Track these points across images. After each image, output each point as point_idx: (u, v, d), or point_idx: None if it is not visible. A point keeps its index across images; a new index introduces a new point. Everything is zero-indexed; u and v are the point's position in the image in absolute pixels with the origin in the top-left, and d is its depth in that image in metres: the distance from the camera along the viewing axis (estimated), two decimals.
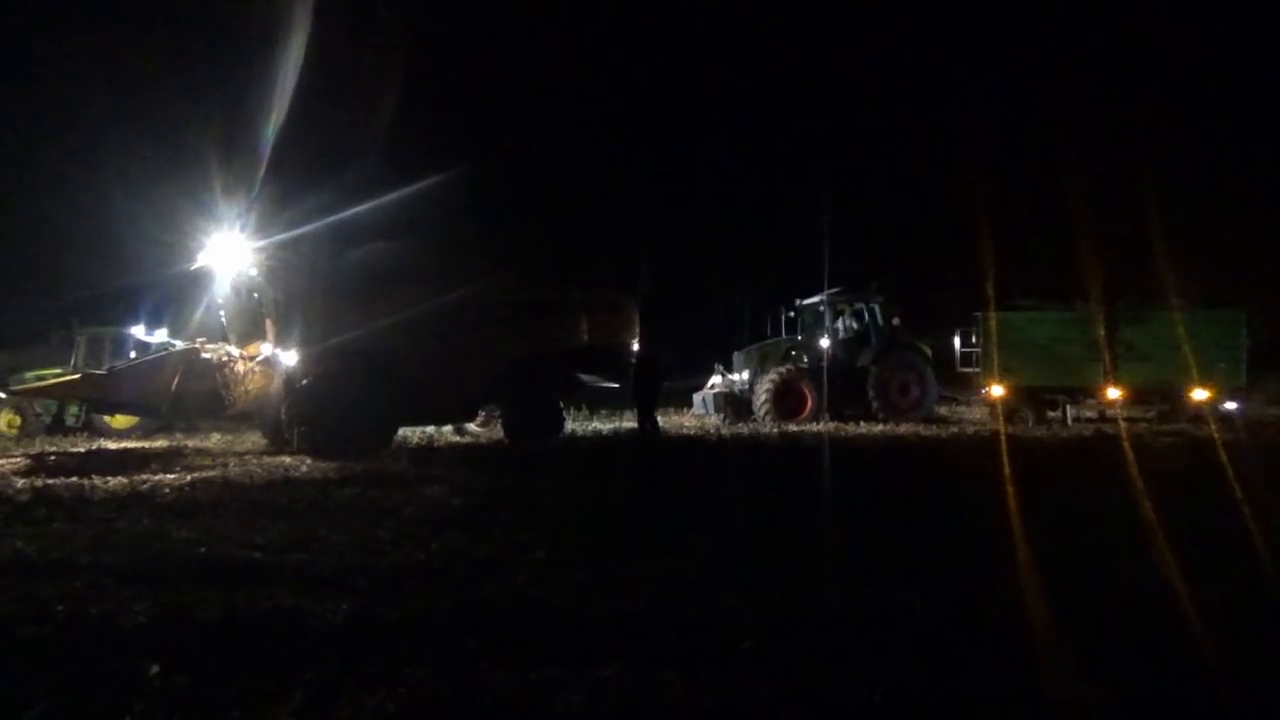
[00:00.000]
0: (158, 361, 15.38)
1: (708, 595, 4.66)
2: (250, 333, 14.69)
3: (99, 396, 16.00)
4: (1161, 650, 3.77)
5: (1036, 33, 47.27)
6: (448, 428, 17.14)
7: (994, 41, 46.70)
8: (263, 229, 13.69)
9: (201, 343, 14.90)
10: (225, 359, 14.53)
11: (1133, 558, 5.44)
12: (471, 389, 14.72)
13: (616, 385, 16.78)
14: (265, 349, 14.30)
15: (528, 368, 14.78)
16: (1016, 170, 36.22)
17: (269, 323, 14.05)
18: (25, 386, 17.66)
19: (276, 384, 13.98)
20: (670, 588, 4.81)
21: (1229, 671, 3.51)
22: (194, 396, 14.87)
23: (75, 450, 14.73)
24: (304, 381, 13.45)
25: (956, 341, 19.70)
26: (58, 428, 19.19)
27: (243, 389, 14.49)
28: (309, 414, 13.20)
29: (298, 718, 3.10)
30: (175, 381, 14.46)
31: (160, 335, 18.60)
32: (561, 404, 16.30)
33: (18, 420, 19.25)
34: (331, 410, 13.06)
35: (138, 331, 19.47)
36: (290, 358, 13.65)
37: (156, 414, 16.90)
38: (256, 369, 14.42)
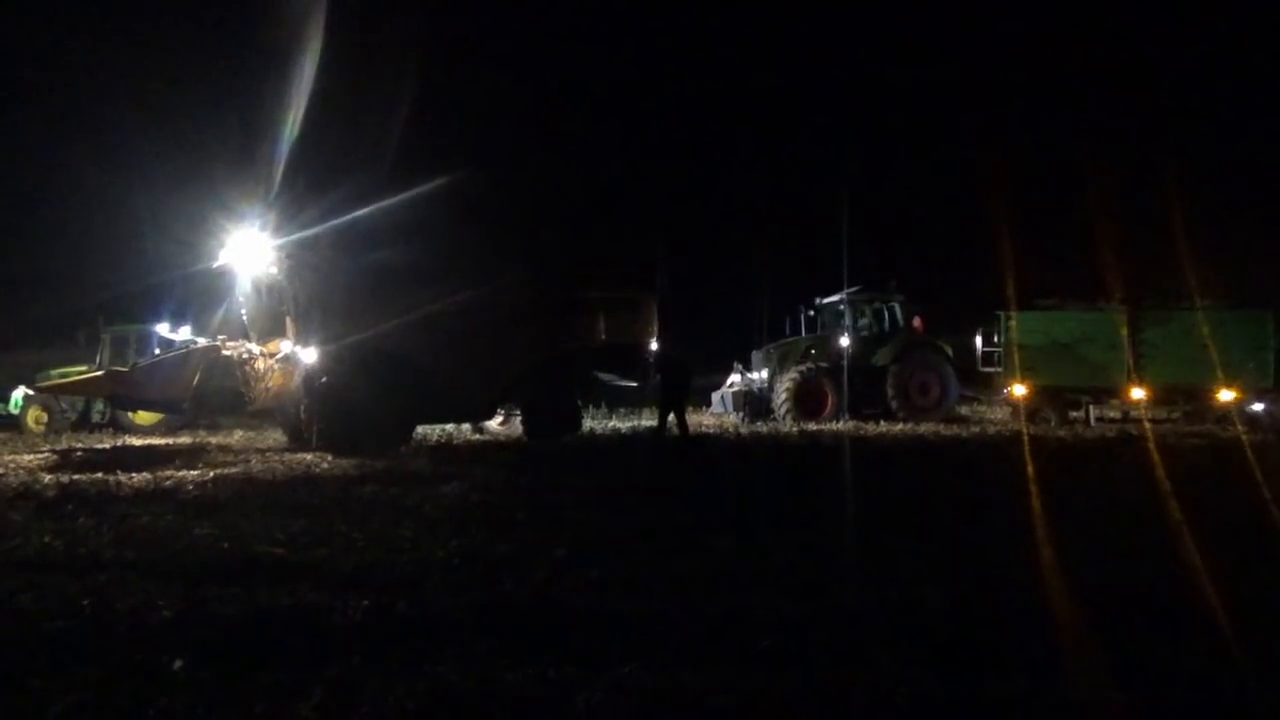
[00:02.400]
0: (179, 359, 15.54)
1: (727, 595, 4.66)
2: (271, 330, 14.80)
3: (122, 393, 16.20)
4: (1186, 653, 3.72)
5: (1062, 30, 46.85)
6: (466, 426, 17.19)
7: (1019, 39, 46.30)
8: (283, 227, 13.78)
9: (222, 340, 15.02)
10: (246, 356, 14.64)
11: (1158, 559, 5.38)
12: (490, 388, 14.72)
13: (635, 384, 16.77)
14: (285, 347, 14.39)
15: (546, 367, 14.77)
16: (1041, 168, 35.96)
17: (289, 321, 14.15)
18: (50, 383, 17.91)
19: (296, 382, 14.08)
20: (689, 587, 4.80)
21: (1255, 675, 3.46)
22: (215, 394, 15.00)
23: (100, 446, 14.91)
24: (323, 379, 13.52)
25: (978, 341, 19.56)
26: (83, 424, 19.45)
27: (263, 386, 14.59)
28: (327, 411, 13.26)
29: (319, 713, 3.11)
30: (196, 379, 14.60)
31: (184, 333, 18.81)
32: (579, 402, 16.31)
33: (45, 416, 19.55)
34: (349, 408, 13.11)
35: (163, 329, 19.71)
36: (310, 356, 13.74)
37: (179, 410, 17.08)
38: (276, 367, 14.50)
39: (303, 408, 13.83)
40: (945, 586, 4.76)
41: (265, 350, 14.81)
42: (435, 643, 3.84)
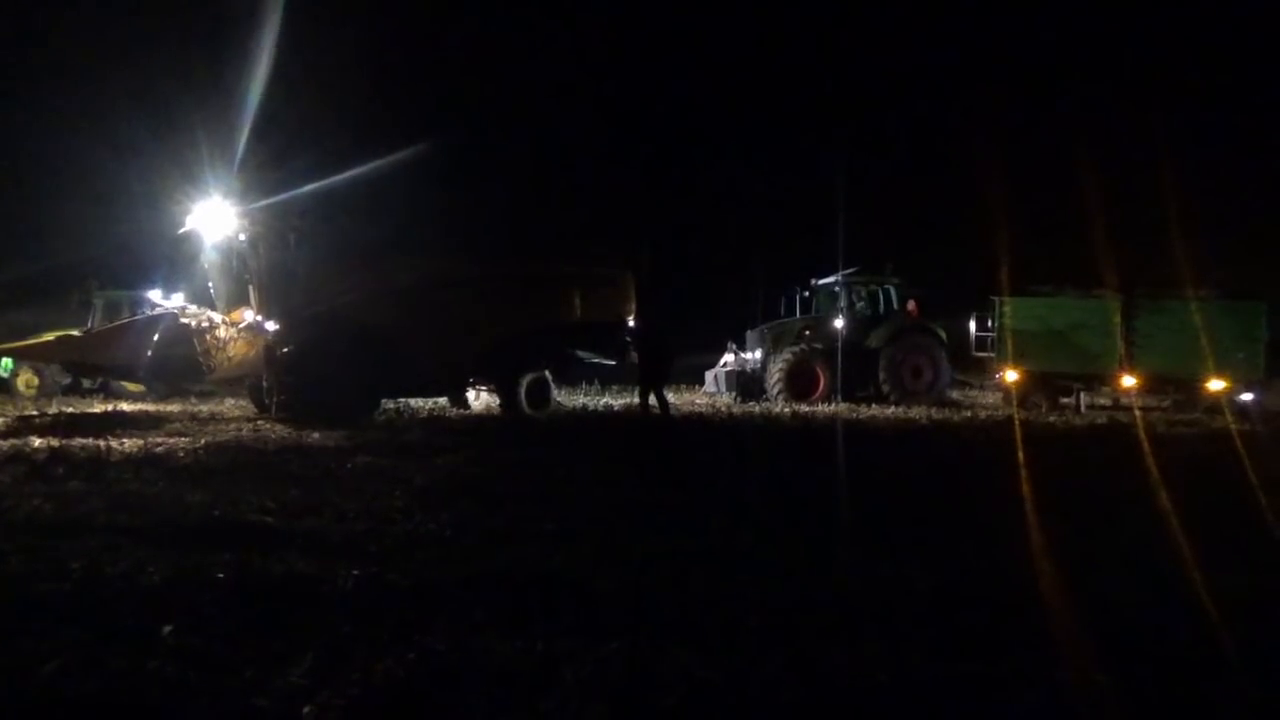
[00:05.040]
0: (135, 325, 15.44)
1: (717, 571, 4.68)
2: (237, 298, 14.57)
3: (75, 358, 16.11)
4: (1173, 637, 3.76)
5: (1059, 17, 46.58)
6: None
7: (1017, 25, 46.06)
8: (248, 194, 13.54)
9: (182, 308, 14.89)
10: (206, 325, 14.47)
11: (1145, 544, 5.42)
12: (458, 363, 14.47)
13: (613, 362, 16.48)
14: (248, 315, 14.18)
15: (517, 342, 14.51)
16: (1038, 155, 35.86)
17: (251, 289, 13.93)
18: (3, 346, 17.76)
19: (258, 351, 13.91)
20: (680, 563, 4.83)
21: (1242, 660, 3.50)
22: (173, 360, 14.85)
23: (91, 411, 14.86)
24: (285, 349, 13.28)
25: (972, 325, 19.58)
26: (75, 389, 19.36)
27: (224, 355, 14.42)
28: (288, 382, 13.03)
29: (309, 679, 3.13)
30: (153, 345, 14.48)
31: (177, 299, 18.67)
32: (552, 379, 15.99)
33: (35, 381, 19.43)
34: (311, 379, 12.87)
35: (155, 295, 19.56)
36: (272, 325, 13.53)
37: (134, 377, 16.98)
38: (240, 335, 14.32)
39: (265, 377, 13.65)
40: (933, 568, 4.79)
41: (228, 319, 14.61)
42: (425, 613, 3.85)
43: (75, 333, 16.91)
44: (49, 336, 17.72)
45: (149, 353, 14.69)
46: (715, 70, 52.07)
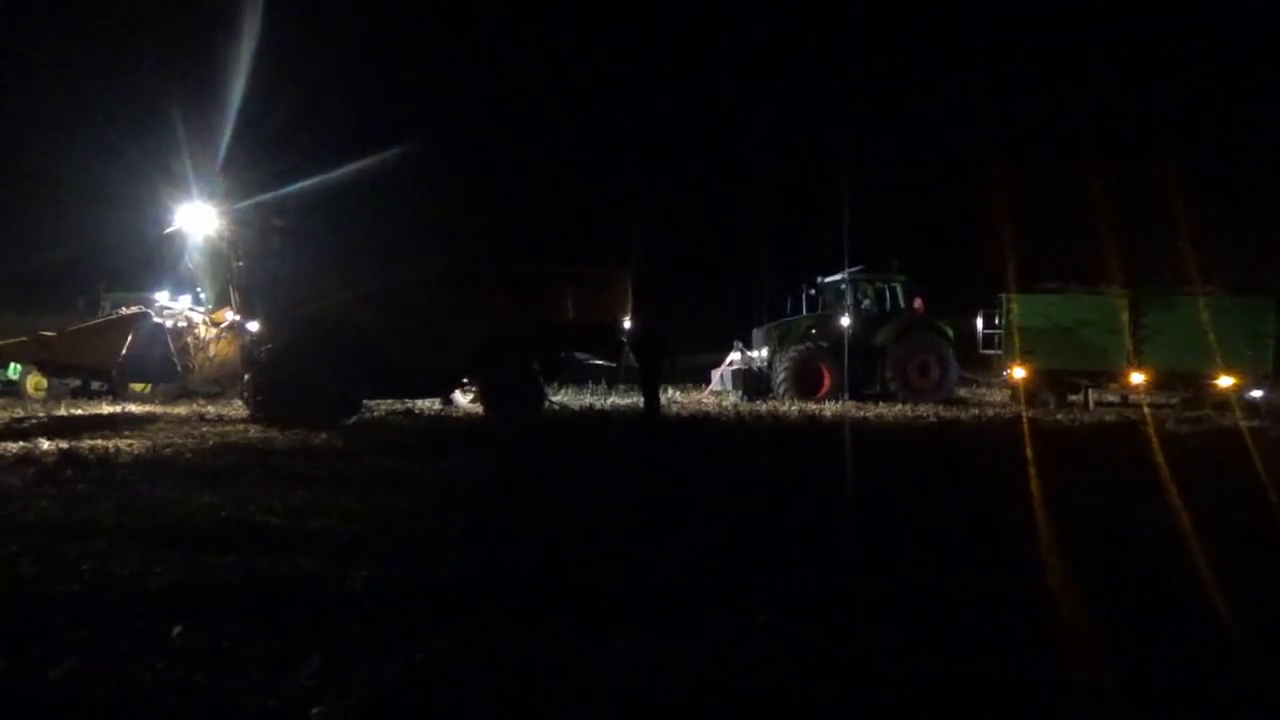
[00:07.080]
0: (107, 325, 15.41)
1: (724, 570, 4.68)
2: (223, 299, 14.46)
3: (47, 358, 16.12)
4: (1183, 635, 3.74)
5: (1065, 13, 46.43)
6: (462, 400, 16.97)
7: (1023, 20, 45.93)
8: (231, 194, 13.46)
9: (159, 307, 14.84)
10: (184, 325, 14.37)
11: (1155, 542, 5.40)
12: (445, 363, 14.23)
13: (613, 364, 16.19)
14: (230, 315, 14.06)
15: (506, 343, 14.25)
16: (1045, 151, 35.76)
17: (232, 289, 13.80)
18: None
19: (238, 351, 13.82)
20: (687, 562, 4.82)
21: (1250, 657, 3.48)
22: (147, 361, 14.76)
23: (100, 414, 14.90)
24: (264, 349, 13.17)
25: (979, 323, 19.53)
26: (83, 391, 19.42)
27: (204, 355, 14.32)
28: (265, 383, 12.90)
29: (316, 680, 3.13)
30: (125, 345, 14.39)
31: (184, 302, 18.72)
32: (542, 379, 15.55)
33: (44, 383, 19.50)
34: (289, 380, 12.71)
35: (162, 298, 19.61)
36: (252, 324, 13.41)
37: (106, 377, 16.98)
38: (224, 335, 14.22)
39: (245, 377, 13.57)
40: (940, 565, 4.78)
41: (210, 318, 14.52)
42: (433, 613, 3.85)
43: (49, 332, 16.94)
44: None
45: (122, 353, 14.62)
46: (719, 66, 52.06)
